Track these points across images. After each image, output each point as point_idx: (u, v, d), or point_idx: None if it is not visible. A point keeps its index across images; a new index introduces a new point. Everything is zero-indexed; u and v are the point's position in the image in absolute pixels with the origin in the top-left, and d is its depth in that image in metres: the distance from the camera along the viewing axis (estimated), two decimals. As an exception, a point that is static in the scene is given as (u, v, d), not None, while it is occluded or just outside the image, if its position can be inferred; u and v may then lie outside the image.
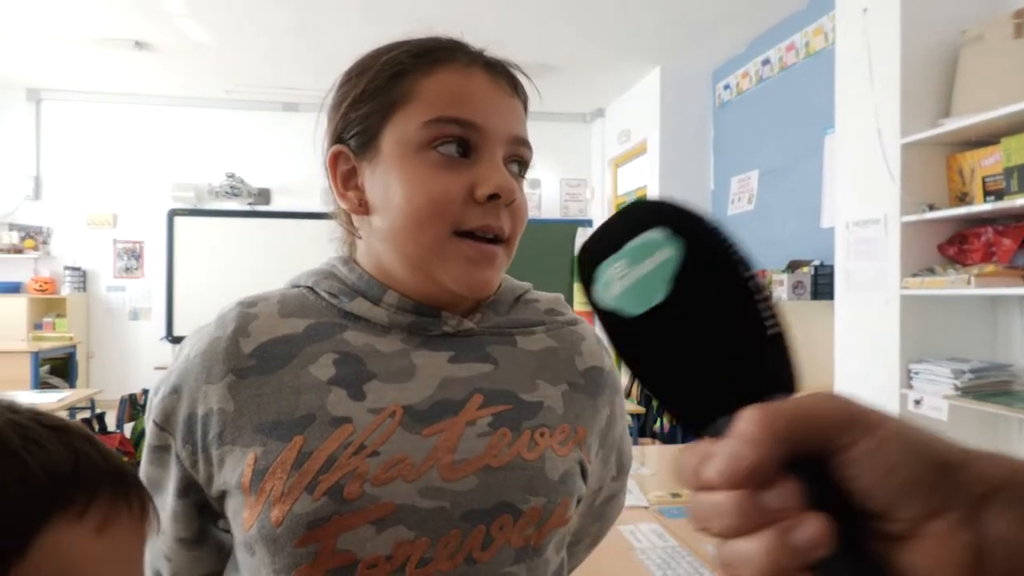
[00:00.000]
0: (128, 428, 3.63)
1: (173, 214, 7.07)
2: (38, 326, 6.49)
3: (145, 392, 3.99)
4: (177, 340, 7.07)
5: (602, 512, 0.74)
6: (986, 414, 2.72)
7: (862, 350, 3.08)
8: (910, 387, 2.81)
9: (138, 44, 5.34)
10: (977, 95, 2.65)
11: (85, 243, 6.93)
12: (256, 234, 7.18)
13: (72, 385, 6.10)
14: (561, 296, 0.77)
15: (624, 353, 0.35)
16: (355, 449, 0.58)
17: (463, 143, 0.60)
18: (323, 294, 0.66)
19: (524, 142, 0.64)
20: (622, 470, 0.75)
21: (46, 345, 5.90)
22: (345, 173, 0.67)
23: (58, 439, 0.35)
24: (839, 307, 3.24)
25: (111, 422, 3.51)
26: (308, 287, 0.68)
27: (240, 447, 0.59)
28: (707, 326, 0.33)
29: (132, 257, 7.05)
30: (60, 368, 6.25)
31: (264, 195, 7.20)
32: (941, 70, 2.82)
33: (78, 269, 6.84)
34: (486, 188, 0.59)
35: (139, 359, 6.99)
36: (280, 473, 0.57)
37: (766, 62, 4.94)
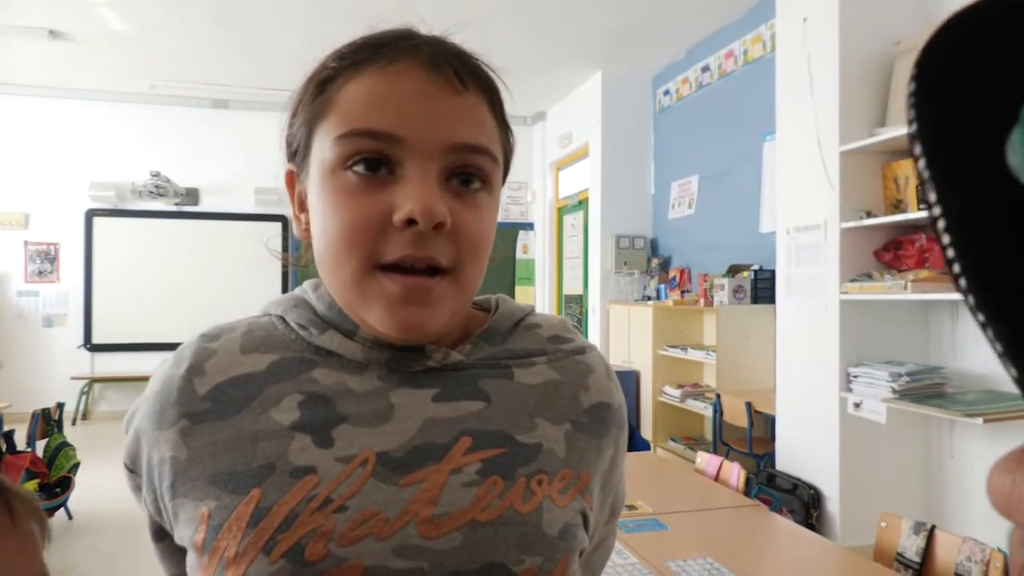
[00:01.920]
0: (40, 445, 3.36)
1: (91, 214, 6.67)
2: (-61, 334, 6.00)
3: (60, 405, 3.71)
4: (96, 348, 6.68)
5: (589, 560, 0.65)
6: (922, 416, 2.80)
7: (803, 354, 3.14)
8: (849, 390, 2.87)
9: (52, 33, 4.99)
10: (912, 105, 2.72)
11: (-7, 245, 6.46)
12: (183, 236, 6.85)
13: (-22, 398, 5.65)
14: (567, 320, 0.68)
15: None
16: (319, 503, 0.50)
17: (381, 159, 0.51)
18: (293, 325, 0.58)
19: (473, 148, 0.53)
20: (614, 513, 0.68)
21: (-52, 355, 5.45)
22: (299, 194, 0.59)
23: None
24: (781, 312, 3.29)
25: (20, 439, 3.24)
26: (279, 316, 0.59)
27: (192, 500, 0.52)
28: None
29: (46, 260, 6.61)
30: (-36, 380, 5.79)
31: (192, 195, 6.88)
32: (877, 80, 2.89)
33: (-15, 273, 6.37)
34: (401, 212, 0.50)
35: (54, 369, 6.55)
36: (235, 531, 0.50)
37: (705, 69, 5.02)
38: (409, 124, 0.51)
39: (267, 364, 0.56)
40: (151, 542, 0.60)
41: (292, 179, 0.60)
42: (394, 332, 0.53)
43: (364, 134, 0.51)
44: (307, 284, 0.61)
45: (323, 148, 0.53)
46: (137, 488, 0.58)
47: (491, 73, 0.57)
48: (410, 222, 0.50)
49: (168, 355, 0.58)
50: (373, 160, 0.51)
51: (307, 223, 0.57)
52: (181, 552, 0.58)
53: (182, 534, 0.54)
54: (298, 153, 0.58)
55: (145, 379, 0.62)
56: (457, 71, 0.54)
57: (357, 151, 0.51)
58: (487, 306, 0.65)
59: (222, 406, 0.54)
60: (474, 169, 0.54)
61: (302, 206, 0.58)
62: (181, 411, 0.54)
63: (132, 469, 0.57)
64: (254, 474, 0.52)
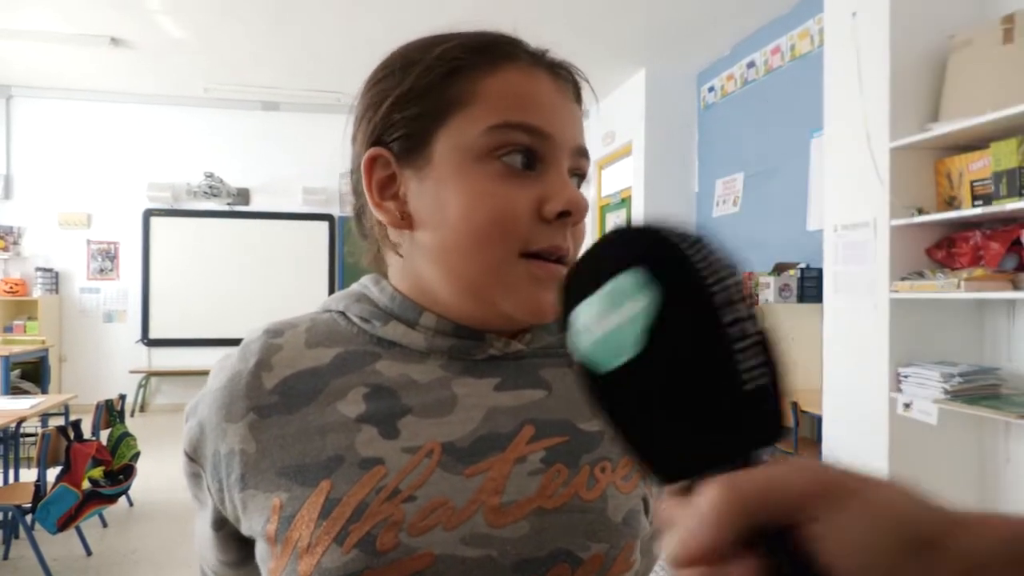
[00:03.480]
0: (104, 435, 3.53)
1: (149, 214, 6.94)
2: (8, 329, 6.32)
3: (122, 397, 3.88)
4: (153, 343, 6.94)
5: (649, 547, 0.65)
6: (975, 417, 2.73)
7: (851, 354, 3.09)
8: (899, 391, 2.81)
9: (114, 41, 5.21)
10: (966, 100, 2.66)
11: (57, 244, 6.77)
12: (235, 235, 7.07)
13: (44, 390, 5.94)
14: None
15: (595, 401, 0.33)
16: (388, 494, 0.52)
17: (529, 153, 0.54)
18: (354, 319, 0.60)
19: (586, 153, 0.58)
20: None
21: (16, 349, 5.73)
22: (382, 180, 0.58)
23: None
24: (828, 310, 3.24)
25: (87, 429, 3.41)
26: (339, 311, 0.61)
27: (263, 492, 0.54)
28: (680, 384, 0.31)
29: (107, 258, 6.90)
30: (31, 372, 6.08)
31: (243, 195, 7.09)
32: (930, 74, 2.83)
33: (50, 270, 6.68)
34: (557, 204, 0.53)
35: (114, 363, 6.83)
36: (306, 522, 0.52)
37: (751, 65, 4.95)
38: (553, 123, 0.54)
39: (331, 357, 0.57)
40: (209, 529, 0.60)
41: (375, 163, 0.58)
42: (530, 316, 0.55)
43: (520, 127, 0.53)
44: (367, 279, 0.62)
45: (465, 136, 0.54)
46: (195, 475, 0.59)
47: (585, 88, 0.61)
48: (562, 215, 0.53)
49: (230, 350, 0.59)
50: (529, 153, 0.54)
51: (401, 210, 0.57)
52: (239, 541, 0.59)
53: (252, 525, 0.55)
54: (404, 139, 0.56)
55: (199, 373, 0.65)
56: (572, 83, 0.59)
57: (512, 142, 0.53)
58: None
59: (290, 399, 0.55)
60: (583, 172, 0.58)
61: (384, 193, 0.58)
62: (250, 405, 0.55)
63: (193, 458, 0.58)
64: (323, 466, 0.53)
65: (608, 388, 0.33)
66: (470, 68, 0.55)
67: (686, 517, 0.29)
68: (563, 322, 0.35)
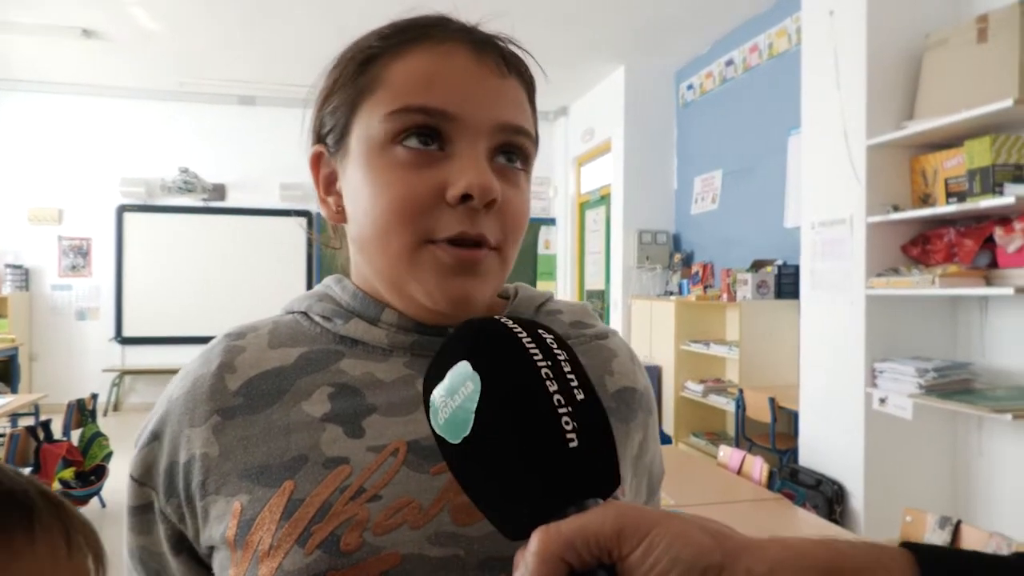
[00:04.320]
0: (76, 435, 3.46)
1: (122, 210, 6.82)
2: (-24, 327, 6.17)
3: (94, 396, 3.80)
4: (127, 341, 6.82)
5: None
6: (949, 412, 2.77)
7: (827, 349, 3.12)
8: (875, 386, 2.85)
9: (86, 32, 5.10)
10: (940, 98, 2.69)
11: (28, 240, 6.63)
12: (210, 231, 6.97)
13: (14, 390, 5.80)
14: (588, 305, 0.69)
15: (454, 473, 0.39)
16: (353, 493, 0.50)
17: (433, 134, 0.51)
18: (316, 318, 0.59)
19: (517, 129, 0.54)
20: (652, 491, 0.68)
21: (-15, 347, 5.61)
22: (327, 176, 0.58)
23: None
24: (805, 306, 3.28)
25: (57, 429, 3.34)
26: (302, 312, 0.60)
27: (224, 496, 0.52)
28: (509, 452, 0.36)
29: (79, 255, 6.77)
30: (1, 372, 5.95)
31: (219, 191, 6.99)
32: (906, 73, 2.86)
33: (20, 267, 6.53)
34: (456, 188, 0.50)
35: (87, 361, 6.71)
36: (268, 524, 0.50)
37: (729, 63, 4.98)
38: (460, 102, 0.51)
39: (295, 357, 0.56)
40: (171, 560, 0.56)
41: (319, 160, 0.59)
42: (443, 303, 0.53)
43: (418, 110, 0.51)
44: (330, 279, 0.61)
45: (370, 125, 0.53)
46: (143, 508, 0.56)
47: (529, 60, 0.58)
48: (465, 198, 0.50)
49: (193, 356, 0.58)
50: (426, 134, 0.51)
51: (337, 205, 0.58)
52: (200, 566, 0.56)
53: (211, 534, 0.53)
54: (332, 133, 0.57)
55: (174, 372, 0.62)
56: (503, 54, 0.55)
57: (410, 126, 0.51)
58: (506, 294, 0.65)
59: (254, 400, 0.54)
60: (517, 148, 0.55)
61: (329, 188, 0.59)
62: (213, 407, 0.54)
63: (143, 482, 0.55)
64: (287, 466, 0.51)
65: (458, 458, 0.39)
66: (380, 55, 0.54)
67: (520, 563, 0.33)
68: (425, 402, 0.41)
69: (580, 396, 0.37)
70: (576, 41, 5.21)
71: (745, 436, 3.89)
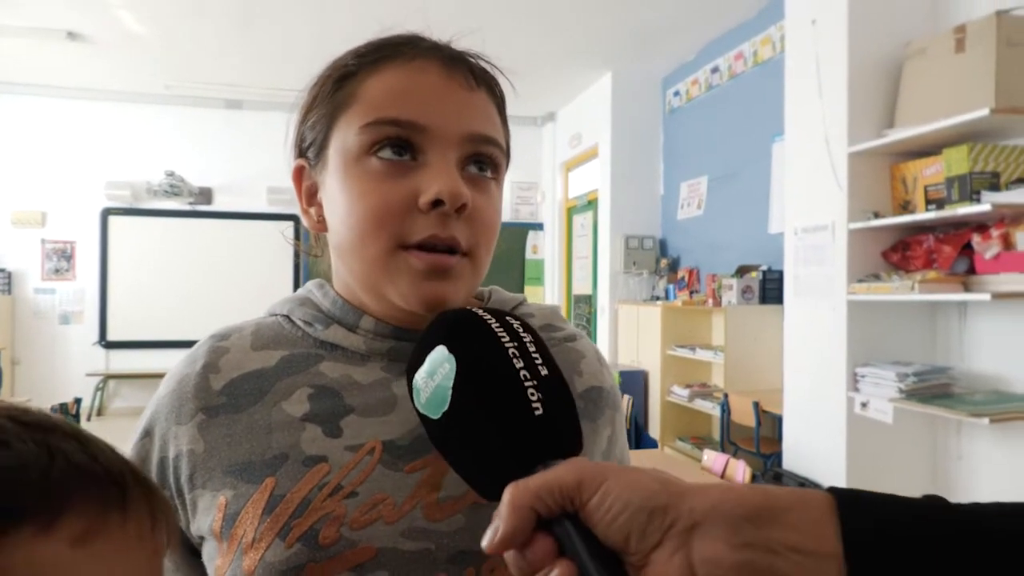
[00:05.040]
0: (58, 440, 3.43)
1: (107, 213, 6.77)
2: (-42, 331, 6.10)
3: (77, 400, 3.77)
4: (110, 345, 6.76)
5: None
6: (929, 416, 2.81)
7: (810, 354, 3.15)
8: (856, 390, 2.88)
9: (71, 35, 5.07)
10: (920, 107, 2.74)
11: (10, 243, 6.56)
12: (196, 235, 6.93)
13: (-4, 393, 5.75)
14: (558, 308, 0.72)
15: (437, 447, 0.44)
16: (331, 490, 0.54)
17: (405, 146, 0.54)
18: (298, 322, 0.62)
19: (486, 139, 0.57)
20: None
21: (-33, 351, 5.55)
22: (308, 188, 0.62)
23: (32, 437, 0.31)
24: (788, 312, 3.31)
25: (39, 434, 3.31)
26: (284, 315, 0.63)
27: (210, 491, 0.55)
28: (483, 421, 0.41)
29: (63, 258, 6.71)
30: (-18, 375, 5.88)
31: (205, 195, 6.96)
32: (886, 81, 2.90)
33: (2, 270, 6.47)
34: (428, 195, 0.53)
35: (70, 366, 6.65)
36: (251, 518, 0.53)
37: (715, 70, 5.03)
38: (431, 114, 0.54)
39: (277, 360, 0.59)
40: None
41: (301, 174, 0.62)
42: (418, 306, 0.55)
43: (390, 123, 0.54)
44: (311, 284, 0.65)
45: (346, 138, 0.56)
46: None
47: (497, 74, 0.61)
48: (435, 204, 0.53)
49: (180, 357, 0.61)
50: (399, 145, 0.54)
51: (319, 215, 0.61)
52: (195, 555, 0.59)
53: (200, 524, 0.56)
54: (312, 147, 0.60)
55: (160, 376, 0.65)
56: (471, 69, 0.58)
57: (383, 138, 0.54)
58: (480, 296, 0.68)
59: (237, 399, 0.57)
60: (486, 158, 0.58)
61: (311, 199, 0.62)
62: (198, 405, 0.57)
63: None
64: (268, 464, 0.54)
65: (440, 432, 0.43)
66: (355, 72, 0.57)
67: (496, 516, 0.37)
68: (409, 384, 0.46)
69: (544, 372, 0.42)
70: (563, 47, 5.25)
71: (730, 440, 3.92)
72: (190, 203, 6.90)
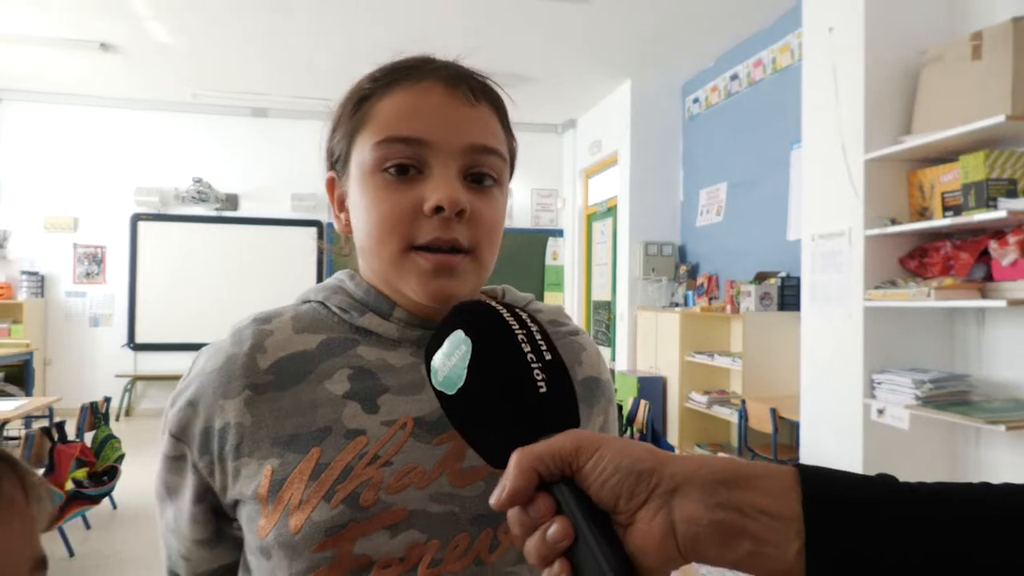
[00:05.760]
0: (89, 437, 3.53)
1: (137, 219, 6.94)
2: (-7, 332, 6.29)
3: (107, 399, 3.89)
4: (139, 347, 6.92)
5: None
6: (946, 423, 2.80)
7: (827, 361, 3.15)
8: (873, 397, 2.88)
9: (104, 46, 5.24)
10: (937, 113, 2.74)
11: (43, 247, 6.76)
12: (222, 240, 7.08)
13: (28, 393, 5.91)
14: (562, 307, 0.79)
15: (452, 421, 0.49)
16: (369, 459, 0.61)
17: (412, 160, 0.62)
18: (334, 309, 0.69)
19: (486, 149, 0.64)
20: None
21: (1, 352, 5.71)
22: (339, 196, 0.70)
23: None
24: (805, 318, 3.31)
25: (71, 431, 3.42)
26: (319, 302, 0.70)
27: (256, 459, 0.62)
28: (494, 396, 0.46)
29: (93, 262, 6.89)
30: (16, 375, 6.04)
31: (231, 201, 7.11)
32: (903, 88, 2.91)
33: (35, 274, 6.66)
34: (430, 202, 0.60)
35: (99, 366, 6.81)
36: (298, 483, 0.61)
37: (734, 77, 5.04)
38: (434, 131, 0.62)
39: (317, 343, 0.66)
40: (189, 504, 0.67)
41: (332, 184, 0.70)
42: (427, 300, 0.63)
43: (398, 140, 0.62)
44: (342, 274, 0.71)
45: (363, 154, 0.64)
46: (178, 458, 0.66)
47: (497, 89, 0.68)
48: (438, 210, 0.60)
49: (219, 340, 0.67)
50: (406, 163, 0.62)
51: (347, 220, 0.69)
52: (216, 515, 0.67)
53: (241, 489, 0.63)
54: (339, 160, 0.68)
55: None
56: (471, 87, 0.65)
57: (392, 154, 0.62)
58: (495, 295, 0.75)
59: (282, 378, 0.64)
60: (487, 167, 0.64)
61: (341, 206, 0.70)
62: (246, 383, 0.63)
63: (180, 438, 0.65)
64: (313, 436, 0.62)
65: (455, 407, 0.48)
66: (370, 94, 0.65)
67: (503, 478, 0.42)
68: (427, 366, 0.51)
69: (548, 356, 0.47)
70: (584, 55, 5.29)
71: (748, 446, 3.92)
72: (216, 209, 7.04)
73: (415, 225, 0.61)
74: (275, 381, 0.64)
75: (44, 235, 6.75)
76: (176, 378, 6.76)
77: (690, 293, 5.30)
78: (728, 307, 4.47)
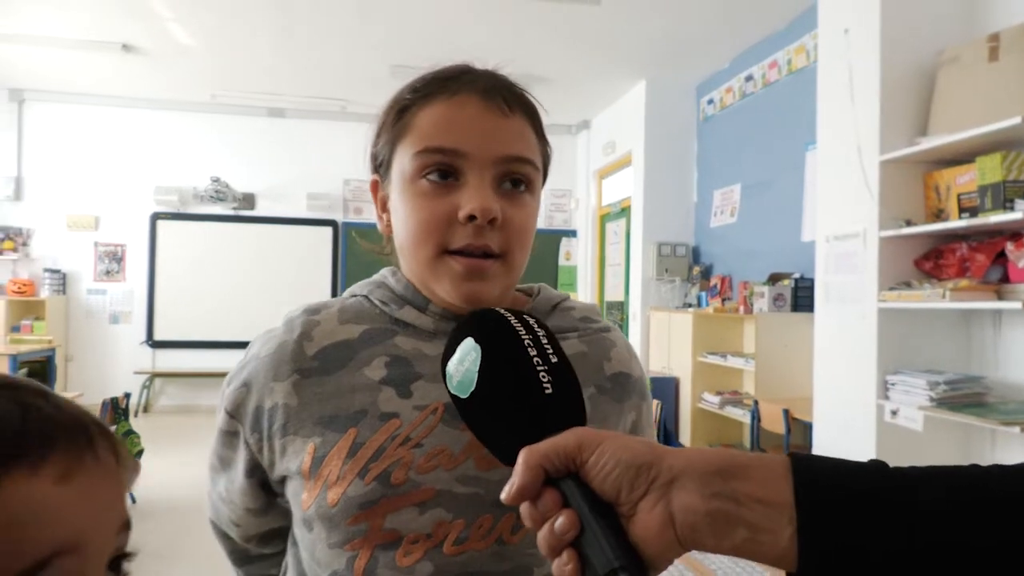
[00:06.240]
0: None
1: (156, 217, 7.03)
2: (16, 328, 6.40)
3: (127, 395, 3.96)
4: (158, 345, 7.01)
5: None
6: (961, 424, 2.79)
7: (841, 362, 3.15)
8: (887, 398, 2.87)
9: (126, 47, 5.32)
10: (953, 115, 2.73)
11: (66, 245, 6.87)
12: (240, 239, 7.15)
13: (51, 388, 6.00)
14: (596, 305, 0.83)
15: (466, 421, 0.52)
16: (401, 441, 0.66)
17: (449, 169, 0.66)
18: (376, 302, 0.74)
19: (519, 159, 0.67)
20: None
21: (24, 348, 5.81)
22: (382, 199, 0.74)
23: (5, 396, 0.36)
24: (819, 319, 3.31)
25: (92, 426, 3.48)
26: (364, 296, 0.75)
27: (301, 437, 0.67)
28: (503, 398, 0.50)
29: (113, 260, 6.99)
30: (38, 371, 6.15)
31: (249, 200, 7.18)
32: (919, 90, 2.90)
33: (58, 271, 6.77)
34: (464, 211, 0.64)
35: (119, 363, 6.91)
36: (336, 460, 0.65)
37: (749, 78, 5.04)
38: (470, 141, 0.66)
39: (359, 333, 0.71)
40: (242, 477, 0.73)
41: (376, 187, 0.75)
42: (459, 301, 0.67)
43: (436, 150, 0.66)
44: (385, 271, 0.76)
45: (403, 161, 0.68)
46: (231, 433, 0.72)
47: (531, 99, 0.72)
48: (471, 218, 0.64)
49: (272, 327, 0.73)
50: (443, 171, 0.66)
51: (389, 221, 0.73)
52: (265, 489, 0.73)
53: (288, 466, 0.68)
54: (382, 165, 0.73)
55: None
56: (505, 99, 0.68)
57: (431, 163, 0.66)
58: (530, 292, 0.80)
59: (327, 364, 0.69)
60: (520, 175, 0.68)
61: (384, 207, 0.74)
62: (294, 367, 0.68)
63: (234, 415, 0.71)
64: (351, 417, 0.67)
65: (468, 409, 0.52)
66: (410, 105, 0.69)
67: (512, 474, 0.45)
68: (443, 371, 0.54)
69: (554, 359, 0.51)
70: (598, 56, 5.31)
71: (760, 447, 3.92)
72: (234, 208, 7.13)
73: (450, 231, 0.65)
74: (320, 366, 0.69)
75: (66, 233, 6.86)
76: (193, 375, 6.86)
77: (703, 294, 5.30)
78: (741, 308, 4.47)
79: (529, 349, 0.50)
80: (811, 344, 3.44)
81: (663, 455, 0.43)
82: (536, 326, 0.53)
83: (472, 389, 0.51)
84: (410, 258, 0.69)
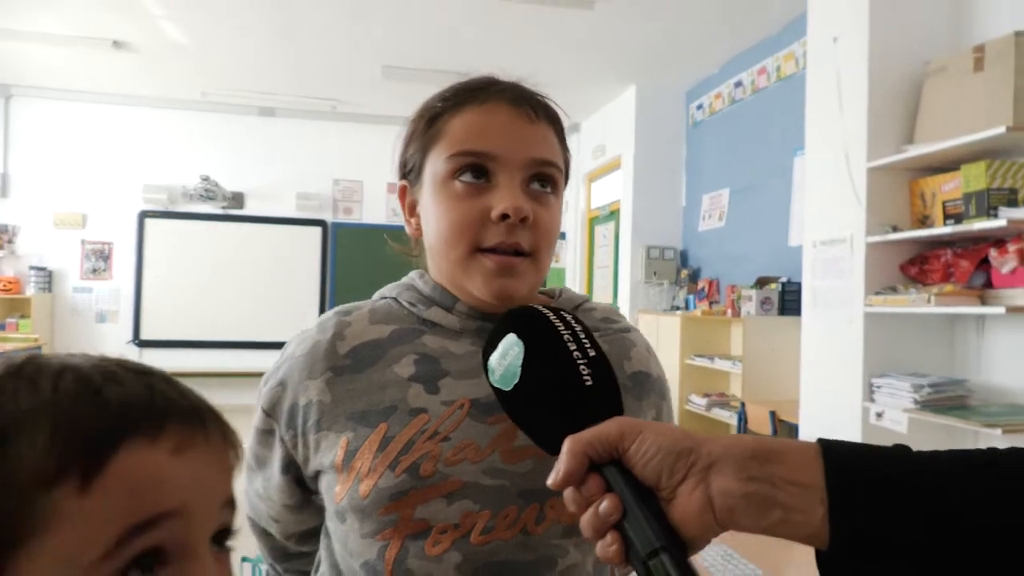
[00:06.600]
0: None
1: (144, 216, 6.99)
2: (0, 326, 6.33)
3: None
4: (144, 344, 6.95)
5: None
6: (945, 427, 2.84)
7: (827, 365, 3.20)
8: (872, 400, 2.92)
9: (116, 44, 5.29)
10: (939, 123, 2.79)
11: (52, 243, 6.80)
12: (228, 238, 7.12)
13: (34, 387, 5.94)
14: (617, 307, 0.87)
15: (508, 413, 0.55)
16: (430, 435, 0.69)
17: (481, 171, 0.69)
18: (405, 304, 0.77)
19: (545, 162, 0.72)
20: None
21: (9, 346, 5.75)
22: (410, 203, 0.78)
23: (137, 379, 0.41)
24: (806, 323, 3.36)
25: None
26: (393, 298, 0.78)
27: (335, 432, 0.71)
28: (546, 390, 0.53)
29: (100, 258, 6.94)
30: (22, 370, 6.09)
31: (238, 199, 7.15)
32: (906, 98, 2.96)
33: (44, 269, 6.71)
34: (497, 210, 0.68)
35: (105, 362, 6.85)
36: (367, 454, 0.69)
37: (738, 84, 5.10)
38: (501, 146, 0.70)
39: (389, 332, 0.74)
40: (278, 474, 0.76)
41: (404, 192, 0.79)
42: (490, 297, 0.70)
43: (469, 154, 0.70)
44: (414, 273, 0.80)
45: (436, 165, 0.72)
46: (267, 432, 0.75)
47: (555, 107, 0.77)
48: (504, 217, 0.68)
49: (307, 329, 0.77)
50: (476, 171, 0.70)
51: (418, 224, 0.76)
52: (300, 486, 0.77)
53: (321, 459, 0.71)
54: (412, 171, 0.77)
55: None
56: (532, 106, 0.73)
57: (464, 165, 0.70)
58: (552, 294, 0.83)
59: (358, 362, 0.72)
60: (546, 177, 0.72)
61: (412, 211, 0.77)
62: (327, 365, 0.72)
63: (269, 414, 0.75)
64: (382, 413, 0.70)
65: (511, 401, 0.54)
66: (442, 112, 0.74)
67: (557, 461, 0.48)
68: (484, 366, 0.57)
69: (592, 353, 0.54)
70: (589, 60, 5.35)
71: (747, 449, 3.96)
72: (223, 207, 7.09)
73: (482, 230, 0.69)
74: (352, 365, 0.72)
75: (53, 231, 6.80)
76: (180, 375, 6.75)
77: (691, 297, 5.35)
78: (729, 311, 4.52)
79: (569, 344, 0.53)
80: (798, 347, 3.49)
81: (701, 442, 0.46)
82: (574, 322, 0.56)
83: (515, 382, 0.53)
84: (441, 258, 0.72)
